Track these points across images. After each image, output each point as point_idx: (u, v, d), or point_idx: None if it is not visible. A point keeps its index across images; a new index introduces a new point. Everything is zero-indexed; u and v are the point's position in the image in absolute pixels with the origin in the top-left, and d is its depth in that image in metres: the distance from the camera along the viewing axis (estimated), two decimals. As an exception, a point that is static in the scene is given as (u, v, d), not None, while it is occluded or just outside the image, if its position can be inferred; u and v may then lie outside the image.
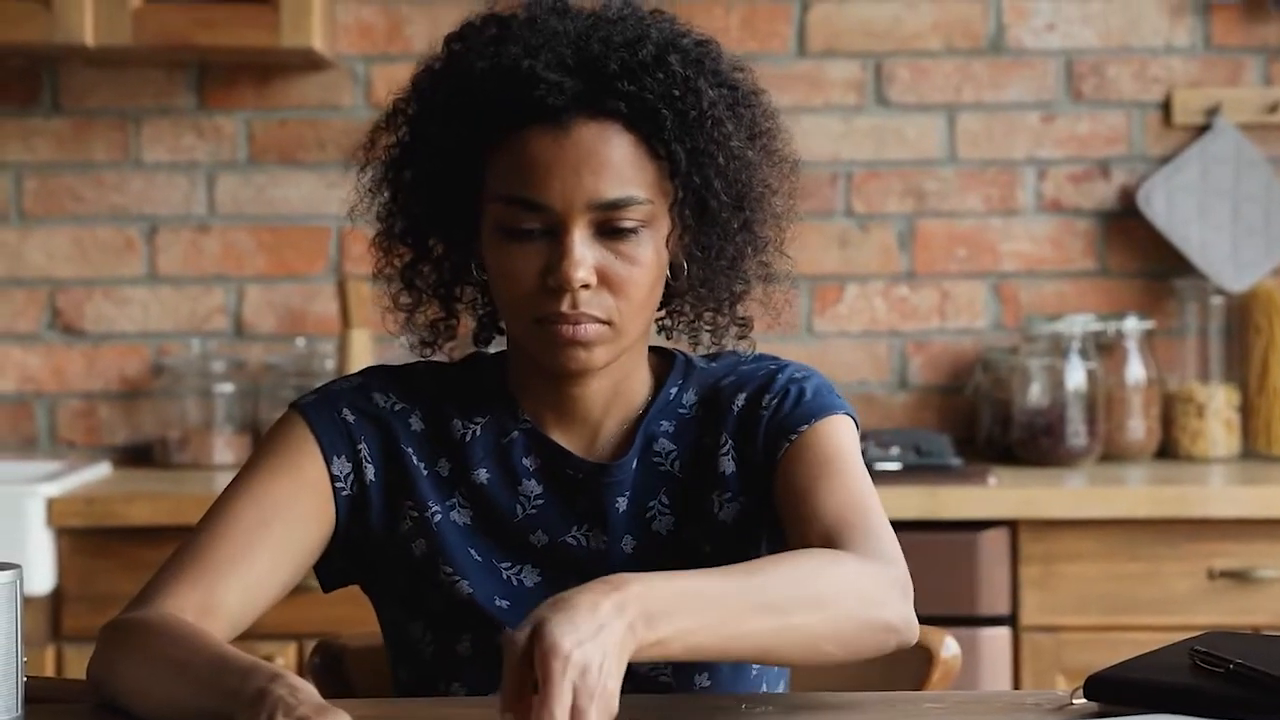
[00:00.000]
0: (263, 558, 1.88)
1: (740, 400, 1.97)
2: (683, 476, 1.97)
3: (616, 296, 1.86)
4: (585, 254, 1.84)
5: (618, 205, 1.85)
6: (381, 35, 3.94)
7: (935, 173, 3.96)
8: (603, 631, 1.54)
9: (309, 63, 3.85)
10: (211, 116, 3.94)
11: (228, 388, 3.88)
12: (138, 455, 3.92)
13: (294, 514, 1.91)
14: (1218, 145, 3.91)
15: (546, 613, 1.54)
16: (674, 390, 2.00)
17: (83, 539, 3.38)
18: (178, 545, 1.91)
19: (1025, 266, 3.97)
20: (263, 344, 3.95)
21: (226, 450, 3.84)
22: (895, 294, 3.97)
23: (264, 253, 3.95)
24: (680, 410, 1.99)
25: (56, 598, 3.39)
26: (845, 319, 3.96)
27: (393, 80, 3.99)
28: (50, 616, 3.38)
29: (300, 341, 3.93)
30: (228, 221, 3.95)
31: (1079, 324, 3.80)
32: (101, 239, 3.94)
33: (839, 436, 1.94)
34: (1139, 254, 3.96)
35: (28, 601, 1.67)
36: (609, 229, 1.85)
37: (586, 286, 1.85)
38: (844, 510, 1.85)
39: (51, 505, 3.36)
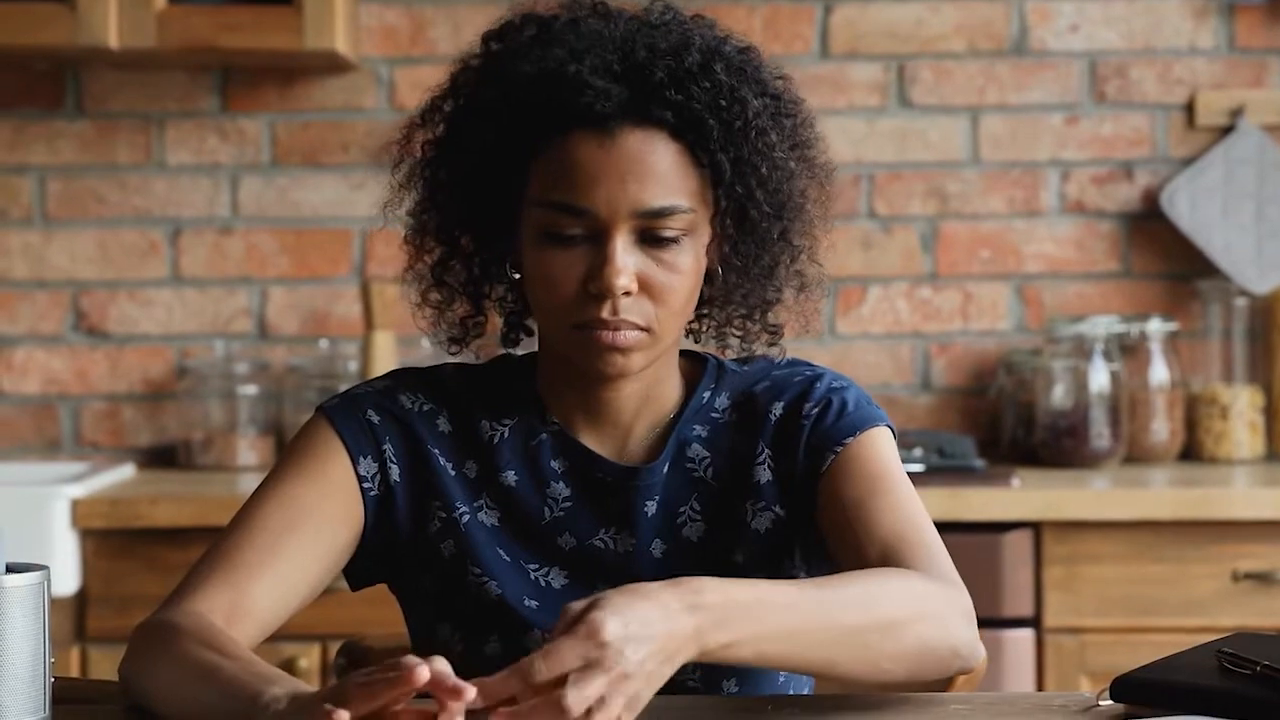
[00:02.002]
0: (292, 560, 1.89)
1: (778, 409, 1.97)
2: (715, 484, 1.97)
3: (656, 304, 1.86)
4: (627, 261, 1.84)
5: (661, 214, 1.85)
6: (405, 37, 3.94)
7: (958, 174, 3.96)
8: (656, 628, 1.56)
9: (332, 65, 3.86)
10: (235, 119, 3.95)
11: (251, 390, 3.89)
12: (161, 457, 3.93)
13: (322, 516, 1.92)
14: (1241, 147, 3.91)
15: (613, 593, 1.57)
16: (706, 394, 2.00)
17: (107, 540, 3.39)
18: (207, 548, 1.91)
19: (1048, 268, 3.96)
20: (286, 346, 3.96)
21: (250, 452, 3.84)
22: (918, 296, 3.96)
23: (287, 255, 3.95)
24: (713, 414, 2.00)
25: (81, 599, 3.39)
26: (868, 321, 3.96)
27: (416, 82, 3.96)
28: (75, 618, 3.39)
29: (323, 343, 3.93)
30: (251, 224, 3.95)
31: (1102, 326, 3.80)
32: (125, 241, 3.94)
33: (884, 449, 1.95)
34: (1162, 255, 3.96)
35: (52, 603, 1.67)
36: (651, 237, 1.86)
37: (628, 294, 1.85)
38: (900, 527, 1.86)
39: (76, 507, 3.37)
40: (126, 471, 3.76)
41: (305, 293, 3.95)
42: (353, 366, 3.86)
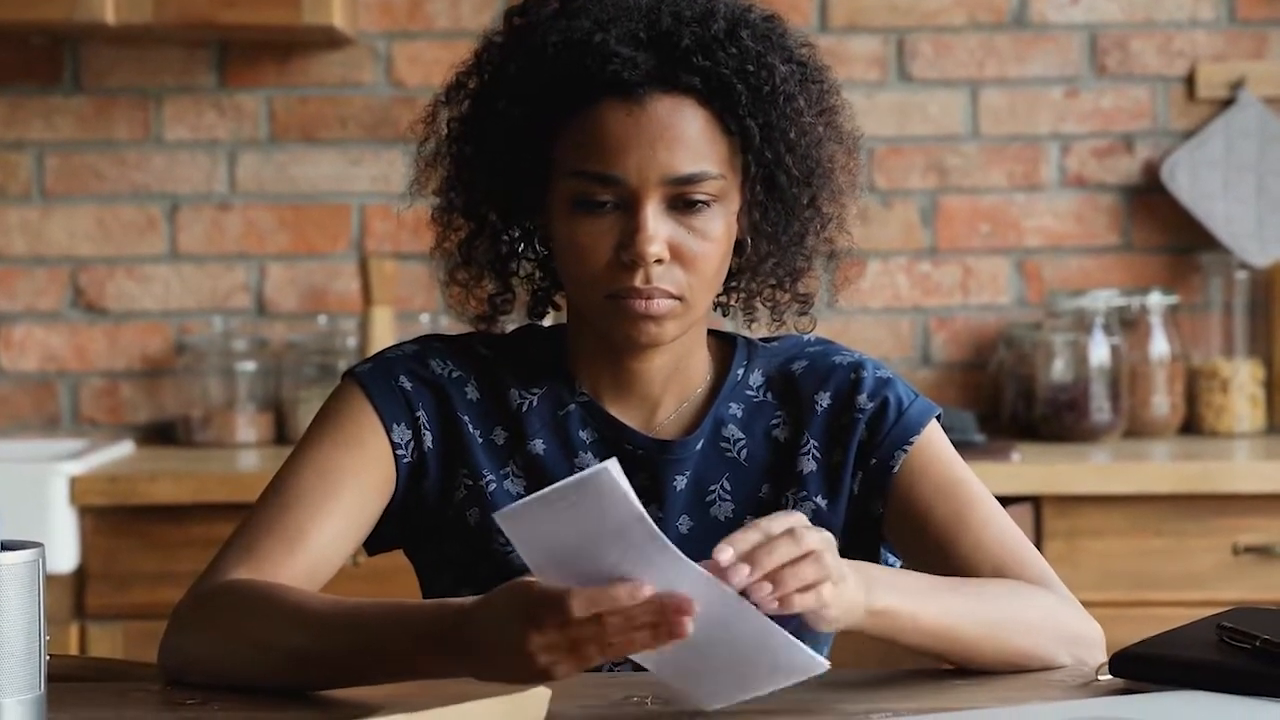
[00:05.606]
0: (329, 529, 1.89)
1: (824, 399, 1.98)
2: (747, 465, 1.98)
3: (688, 271, 1.87)
4: (659, 228, 1.85)
5: (691, 180, 1.85)
6: (402, 12, 3.93)
7: (958, 148, 3.95)
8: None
9: (330, 40, 3.85)
10: (233, 95, 3.94)
11: (250, 366, 3.88)
12: (160, 434, 3.93)
13: (359, 485, 1.92)
14: (1242, 119, 3.90)
15: None
16: (740, 371, 2.01)
17: (106, 517, 3.38)
18: (243, 517, 1.91)
19: (1049, 242, 3.95)
20: (285, 322, 3.95)
21: (249, 429, 3.84)
22: (918, 270, 3.96)
23: (286, 231, 3.94)
24: (748, 392, 2.00)
25: (80, 576, 3.39)
26: (868, 295, 3.95)
27: (414, 57, 3.94)
28: (73, 595, 3.39)
29: (322, 319, 3.93)
30: (249, 200, 3.94)
31: (1103, 299, 3.79)
32: (123, 217, 3.94)
33: (946, 444, 1.99)
34: (1163, 229, 3.95)
35: (50, 580, 1.66)
36: (681, 203, 1.86)
37: (660, 261, 1.85)
38: (1005, 540, 1.93)
39: (74, 484, 3.37)
40: (125, 448, 3.76)
41: (303, 269, 3.95)
42: (351, 343, 3.85)
